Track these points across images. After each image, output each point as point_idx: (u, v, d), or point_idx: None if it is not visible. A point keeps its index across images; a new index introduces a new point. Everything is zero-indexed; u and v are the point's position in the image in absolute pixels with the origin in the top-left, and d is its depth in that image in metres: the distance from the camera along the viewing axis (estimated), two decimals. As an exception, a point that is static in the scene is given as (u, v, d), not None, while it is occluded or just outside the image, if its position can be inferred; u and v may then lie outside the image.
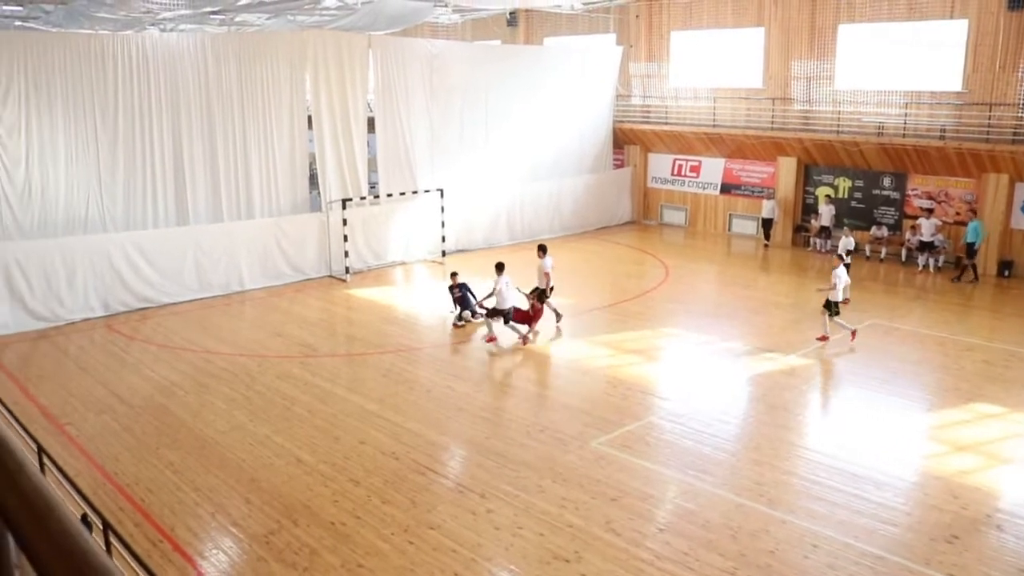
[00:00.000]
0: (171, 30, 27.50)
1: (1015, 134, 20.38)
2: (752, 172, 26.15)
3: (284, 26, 28.26)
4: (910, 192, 22.81)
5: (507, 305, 15.85)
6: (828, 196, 24.20)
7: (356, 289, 20.16)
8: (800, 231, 25.09)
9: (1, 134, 16.79)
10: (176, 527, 9.30)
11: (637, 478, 10.43)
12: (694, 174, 27.62)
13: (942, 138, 21.47)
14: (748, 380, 14.12)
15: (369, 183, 22.60)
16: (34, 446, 9.21)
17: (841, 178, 24.17)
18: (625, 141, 28.92)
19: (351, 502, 9.82)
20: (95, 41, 18.25)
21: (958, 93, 21.55)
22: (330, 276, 21.03)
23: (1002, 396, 13.11)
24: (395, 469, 10.68)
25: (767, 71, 25.32)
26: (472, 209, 24.22)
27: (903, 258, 22.36)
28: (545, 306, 16.54)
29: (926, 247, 21.65)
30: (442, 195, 23.01)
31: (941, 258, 21.69)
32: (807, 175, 24.98)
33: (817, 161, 24.53)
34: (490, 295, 16.06)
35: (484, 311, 16.20)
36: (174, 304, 18.41)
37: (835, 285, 15.55)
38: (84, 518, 7.82)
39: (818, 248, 23.93)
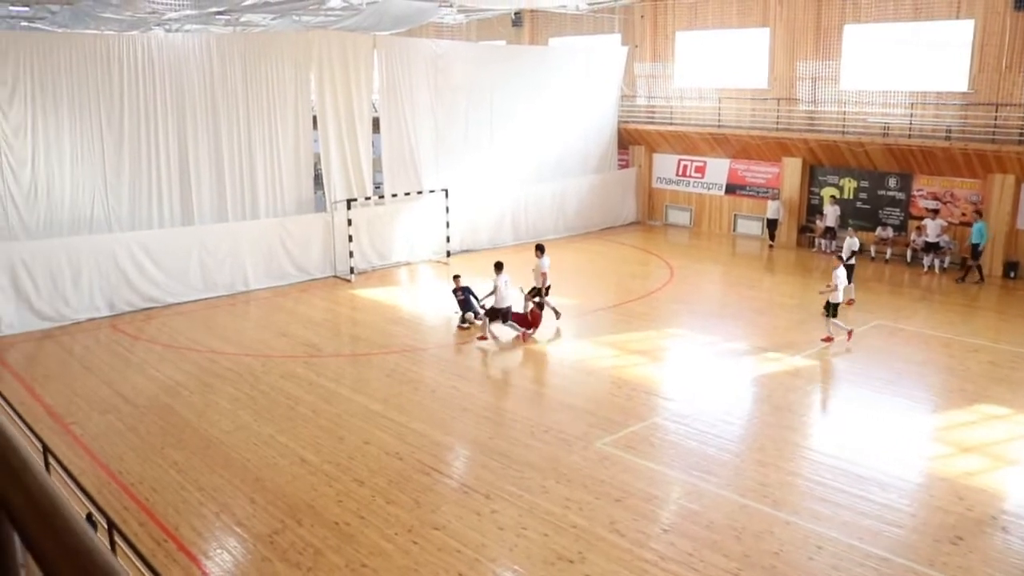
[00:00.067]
0: (176, 30, 27.56)
1: (1021, 134, 20.31)
2: (757, 173, 26.11)
3: (289, 26, 28.29)
4: (915, 193, 22.75)
5: (505, 304, 16.02)
6: (833, 197, 24.15)
7: (361, 289, 20.17)
8: (805, 232, 25.04)
9: (7, 134, 16.84)
10: (180, 526, 9.32)
11: (641, 479, 10.42)
12: (699, 174, 27.59)
13: (948, 139, 21.42)
14: (752, 381, 14.10)
15: (374, 183, 22.62)
16: (39, 445, 9.23)
17: (846, 179, 24.13)
18: (630, 141, 28.89)
19: (355, 502, 9.83)
20: (101, 41, 18.30)
21: (964, 93, 21.49)
22: (335, 276, 21.05)
23: (1008, 397, 13.07)
24: (399, 469, 10.69)
25: (772, 71, 25.27)
26: (477, 209, 24.22)
27: (908, 259, 22.30)
28: (545, 306, 16.60)
29: (931, 248, 21.59)
30: (447, 195, 23.02)
31: (947, 259, 21.62)
32: (812, 176, 24.93)
33: (822, 162, 24.48)
34: (490, 294, 16.18)
35: (484, 310, 16.28)
36: (179, 304, 18.44)
37: (836, 286, 15.55)
38: (89, 517, 7.82)
39: (823, 249, 23.88)
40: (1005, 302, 19.11)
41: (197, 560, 8.72)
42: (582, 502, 9.78)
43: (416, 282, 21.53)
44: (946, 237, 21.63)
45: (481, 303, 16.62)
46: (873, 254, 22.82)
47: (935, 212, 21.91)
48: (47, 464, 8.90)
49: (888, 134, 22.51)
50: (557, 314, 16.91)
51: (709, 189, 27.37)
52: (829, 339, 15.68)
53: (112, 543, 7.21)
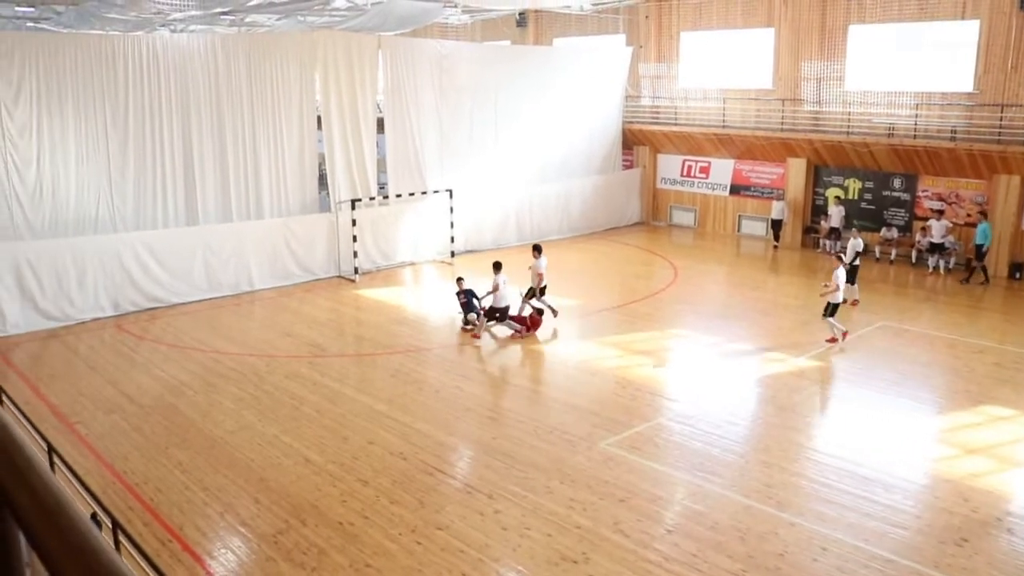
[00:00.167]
0: (181, 31, 27.61)
1: (1027, 135, 20.28)
2: (762, 173, 26.08)
3: (294, 27, 28.33)
4: (920, 193, 22.71)
5: (504, 304, 16.22)
6: (838, 197, 24.11)
7: (365, 289, 20.19)
8: (810, 232, 25.01)
9: (13, 134, 16.88)
10: (185, 526, 9.33)
11: (646, 479, 10.41)
12: (703, 175, 27.57)
13: (953, 139, 21.37)
14: (757, 382, 14.09)
15: (378, 183, 22.65)
16: (44, 445, 9.26)
17: (851, 179, 24.09)
18: (634, 142, 28.88)
19: (359, 502, 9.83)
20: (106, 42, 18.34)
21: (969, 94, 21.45)
22: (339, 276, 21.07)
23: (1013, 399, 13.03)
24: (403, 469, 10.69)
25: (777, 72, 25.25)
26: (481, 210, 24.23)
27: (913, 260, 22.26)
28: (544, 311, 16.67)
29: (936, 249, 21.54)
30: (451, 196, 23.03)
31: (952, 260, 21.58)
32: (817, 176, 24.90)
33: (827, 162, 24.45)
34: (489, 293, 16.30)
35: (480, 306, 16.46)
36: (184, 304, 18.47)
37: (839, 286, 15.56)
38: (94, 517, 7.84)
39: (828, 250, 23.80)
40: (1010, 303, 19.06)
41: (201, 560, 8.73)
42: (586, 502, 9.77)
43: (420, 282, 21.54)
44: (951, 238, 21.58)
45: (480, 303, 16.68)
46: (878, 255, 22.78)
47: (940, 213, 21.86)
48: (52, 464, 8.93)
49: (893, 135, 22.47)
50: (554, 312, 16.97)
51: (713, 190, 27.35)
52: (833, 340, 15.66)
53: (117, 543, 7.22)
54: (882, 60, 23.32)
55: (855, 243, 18.52)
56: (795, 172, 24.94)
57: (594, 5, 26.90)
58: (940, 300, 19.31)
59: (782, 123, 24.97)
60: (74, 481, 8.58)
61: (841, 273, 15.72)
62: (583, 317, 17.75)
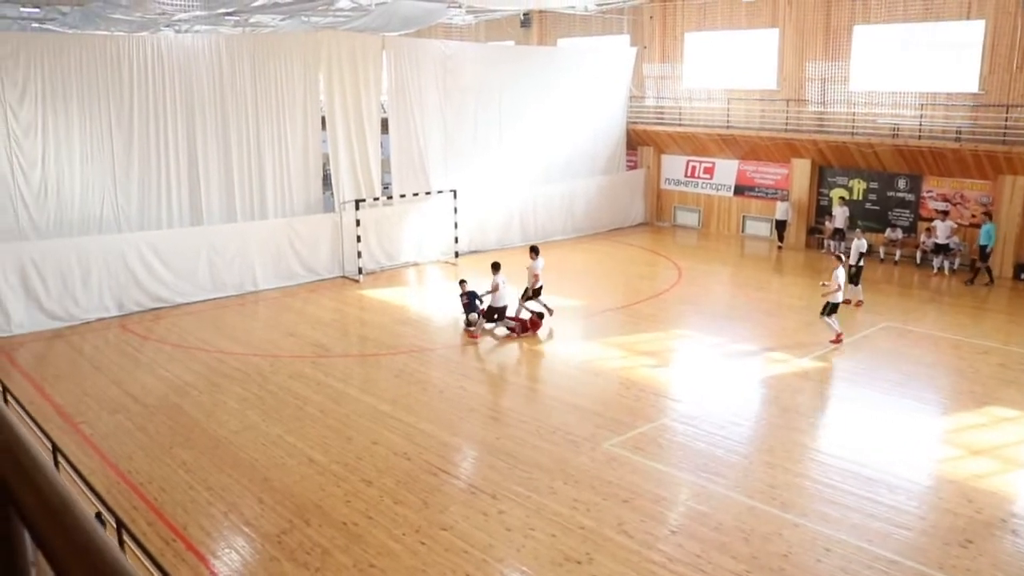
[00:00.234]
0: (186, 31, 27.66)
1: (1032, 136, 20.24)
2: (766, 174, 26.06)
3: (298, 27, 28.37)
4: (925, 194, 22.67)
5: (502, 303, 16.41)
6: (842, 198, 24.08)
7: (369, 290, 20.20)
8: (814, 233, 24.98)
9: (18, 134, 16.92)
10: (189, 526, 9.34)
11: (649, 480, 10.40)
12: (708, 176, 27.55)
13: (958, 140, 21.33)
14: (761, 382, 14.07)
15: (382, 184, 22.66)
16: (49, 445, 9.28)
17: (855, 180, 24.06)
18: (638, 142, 28.87)
19: (363, 502, 9.84)
20: (111, 42, 18.38)
21: (974, 94, 21.41)
22: (343, 277, 21.09)
23: (1018, 400, 13.00)
24: (407, 470, 10.70)
25: (781, 72, 25.23)
26: (485, 210, 24.24)
27: (918, 260, 22.23)
28: (539, 309, 16.77)
29: (941, 249, 21.50)
30: (455, 196, 23.04)
31: (956, 260, 21.54)
32: (821, 177, 24.87)
33: (831, 163, 24.41)
34: (487, 293, 16.44)
35: (481, 307, 16.57)
36: (188, 304, 18.50)
37: (840, 286, 15.57)
38: (98, 516, 7.85)
39: (832, 250, 23.76)
40: (1015, 304, 19.01)
41: (205, 560, 8.75)
42: (590, 503, 9.77)
43: (424, 283, 21.55)
44: (956, 239, 21.54)
45: (482, 305, 16.73)
46: (882, 256, 22.75)
47: (945, 214, 21.81)
48: (56, 463, 8.94)
49: (898, 135, 22.44)
50: (549, 311, 17.02)
51: (718, 190, 27.33)
52: (838, 340, 15.65)
53: (121, 542, 7.23)
54: (887, 60, 23.28)
55: (859, 244, 18.49)
56: (799, 173, 24.91)
57: (598, 6, 26.90)
58: (944, 301, 19.27)
59: (786, 124, 24.94)
60: (78, 481, 8.60)
61: (841, 273, 15.73)
62: (587, 318, 17.75)
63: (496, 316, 16.53)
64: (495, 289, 16.41)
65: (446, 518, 9.47)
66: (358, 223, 20.88)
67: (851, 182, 24.15)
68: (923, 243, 22.12)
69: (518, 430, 11.95)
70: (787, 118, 24.92)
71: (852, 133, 23.37)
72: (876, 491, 10.01)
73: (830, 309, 15.70)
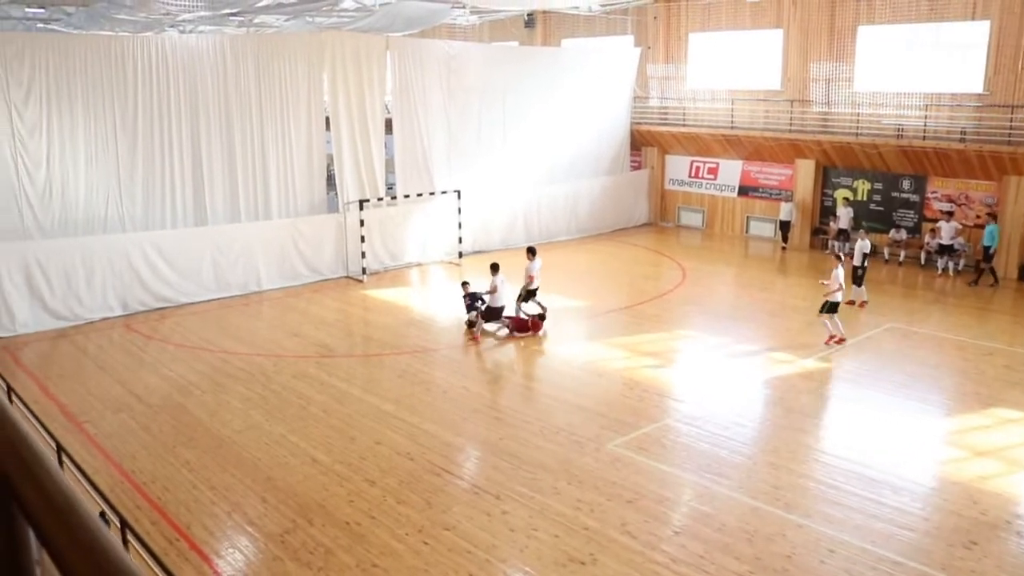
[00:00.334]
0: (190, 32, 27.70)
1: (1037, 136, 20.19)
2: (770, 174, 26.03)
3: (302, 27, 28.40)
4: (930, 195, 22.63)
5: (499, 303, 16.50)
6: (847, 199, 24.03)
7: (373, 290, 20.21)
8: (818, 234, 24.94)
9: (23, 135, 16.96)
10: (192, 525, 9.35)
11: (653, 480, 10.40)
12: (712, 176, 27.52)
13: (963, 140, 21.29)
14: (765, 383, 14.05)
15: (386, 184, 22.66)
16: (53, 444, 9.30)
17: (860, 180, 24.02)
18: (642, 143, 28.86)
19: (366, 502, 9.84)
20: (115, 43, 18.42)
21: (979, 95, 21.36)
22: (347, 277, 21.10)
23: (1023, 401, 12.97)
24: (410, 470, 10.70)
25: (785, 73, 25.19)
26: (489, 210, 24.24)
27: (922, 261, 22.18)
28: (540, 310, 16.84)
29: (946, 250, 21.46)
30: (459, 196, 23.05)
31: (961, 262, 21.49)
32: (825, 177, 24.84)
33: (836, 163, 24.38)
34: (487, 293, 16.53)
35: (482, 308, 16.59)
36: (192, 304, 18.52)
37: (841, 285, 15.57)
38: (102, 515, 7.87)
39: (836, 251, 23.74)
40: (1020, 305, 18.96)
41: (209, 559, 8.76)
42: (593, 504, 9.76)
43: (428, 283, 21.55)
44: (960, 239, 21.49)
45: (482, 306, 16.77)
46: (887, 256, 22.71)
47: (949, 214, 21.77)
48: (61, 463, 8.96)
49: (902, 136, 22.40)
50: (542, 311, 17.06)
51: (722, 191, 27.30)
52: (841, 340, 15.64)
53: (125, 541, 7.24)
54: (891, 61, 23.24)
55: (862, 244, 18.47)
56: (804, 173, 24.88)
57: (602, 6, 26.89)
58: (949, 302, 19.23)
59: (791, 124, 24.91)
60: (82, 480, 8.62)
61: (840, 272, 15.73)
62: (591, 318, 17.74)
63: (494, 317, 16.56)
64: (493, 290, 16.47)
65: (449, 518, 9.47)
66: (362, 223, 20.89)
67: (855, 183, 24.11)
68: (927, 244, 22.07)
69: (521, 430, 11.95)
70: (791, 119, 24.89)
71: (856, 134, 23.33)
72: (880, 492, 9.99)
73: (828, 308, 15.72)
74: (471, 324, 16.78)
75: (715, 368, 14.87)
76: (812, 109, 24.52)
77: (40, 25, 28.14)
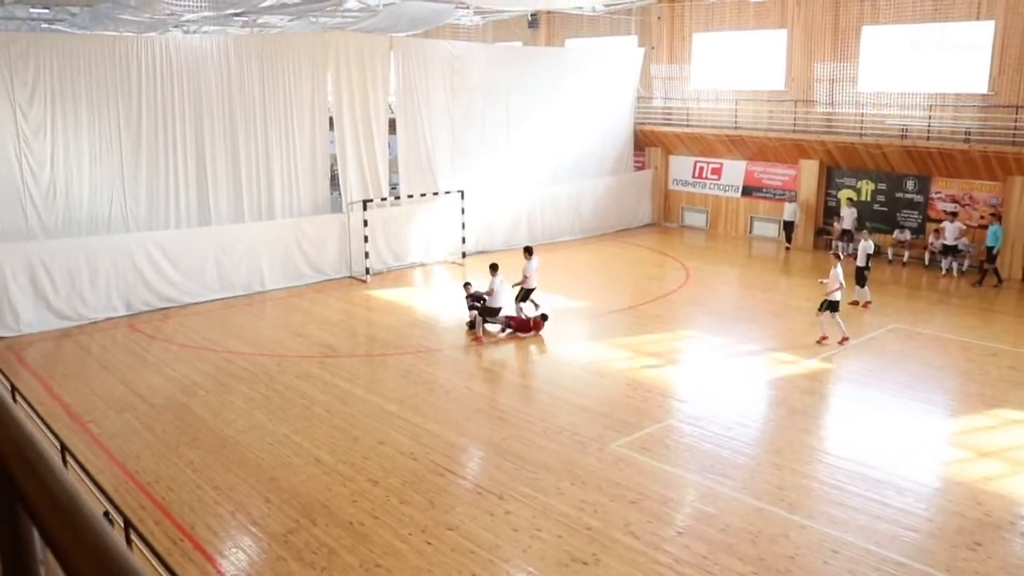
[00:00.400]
0: (194, 32, 27.74)
1: (1041, 137, 20.15)
2: (774, 175, 26.00)
3: (306, 28, 28.42)
4: (934, 195, 22.59)
5: (498, 303, 16.52)
6: (850, 199, 24.01)
7: (376, 290, 20.22)
8: (822, 234, 24.91)
9: (27, 135, 16.98)
10: (196, 525, 9.36)
11: (656, 481, 10.39)
12: (715, 176, 27.50)
13: (967, 141, 21.25)
14: (768, 383, 14.04)
15: (390, 184, 22.68)
16: (57, 444, 9.32)
17: (864, 181, 23.99)
18: (646, 143, 28.85)
19: (369, 502, 9.85)
20: (119, 43, 18.44)
21: (983, 95, 21.32)
22: (350, 277, 21.11)
23: (1027, 402, 12.95)
24: (414, 470, 10.70)
25: (789, 73, 25.17)
26: (492, 211, 24.24)
27: (926, 262, 22.15)
28: (530, 307, 16.94)
29: (950, 251, 21.42)
30: (462, 196, 23.06)
31: (965, 262, 21.46)
32: (829, 178, 24.81)
33: (839, 164, 24.35)
34: (486, 293, 16.57)
35: (479, 307, 16.62)
36: (196, 304, 18.55)
37: (842, 284, 15.56)
38: (106, 515, 7.88)
39: (835, 250, 23.69)
40: (1024, 306, 18.94)
41: (212, 559, 8.77)
42: (597, 504, 9.76)
43: (431, 283, 21.56)
44: (965, 240, 21.45)
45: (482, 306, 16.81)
46: (890, 257, 22.68)
47: (953, 215, 21.73)
48: (65, 462, 8.98)
49: (906, 136, 22.36)
50: (535, 309, 17.10)
51: (725, 191, 27.28)
52: (845, 339, 15.63)
53: (128, 541, 7.26)
54: (895, 61, 23.21)
55: (865, 245, 18.44)
56: (807, 174, 24.85)
57: (606, 6, 26.88)
58: (953, 302, 19.20)
59: (794, 124, 24.88)
60: (86, 479, 8.64)
61: (840, 271, 15.72)
62: (594, 318, 17.74)
63: (492, 316, 16.59)
64: (491, 293, 16.49)
65: (452, 518, 9.47)
66: (365, 223, 20.90)
67: (859, 183, 24.08)
68: (931, 244, 22.03)
69: (525, 431, 11.95)
70: (795, 119, 24.87)
71: (860, 134, 23.31)
72: (884, 493, 9.98)
73: (827, 306, 15.71)
74: (471, 325, 16.80)
75: (718, 368, 14.86)
76: (816, 109, 24.49)
77: (44, 25, 28.19)
